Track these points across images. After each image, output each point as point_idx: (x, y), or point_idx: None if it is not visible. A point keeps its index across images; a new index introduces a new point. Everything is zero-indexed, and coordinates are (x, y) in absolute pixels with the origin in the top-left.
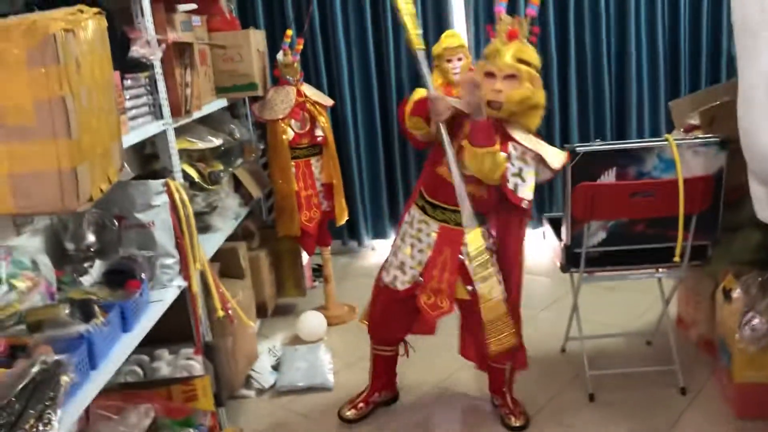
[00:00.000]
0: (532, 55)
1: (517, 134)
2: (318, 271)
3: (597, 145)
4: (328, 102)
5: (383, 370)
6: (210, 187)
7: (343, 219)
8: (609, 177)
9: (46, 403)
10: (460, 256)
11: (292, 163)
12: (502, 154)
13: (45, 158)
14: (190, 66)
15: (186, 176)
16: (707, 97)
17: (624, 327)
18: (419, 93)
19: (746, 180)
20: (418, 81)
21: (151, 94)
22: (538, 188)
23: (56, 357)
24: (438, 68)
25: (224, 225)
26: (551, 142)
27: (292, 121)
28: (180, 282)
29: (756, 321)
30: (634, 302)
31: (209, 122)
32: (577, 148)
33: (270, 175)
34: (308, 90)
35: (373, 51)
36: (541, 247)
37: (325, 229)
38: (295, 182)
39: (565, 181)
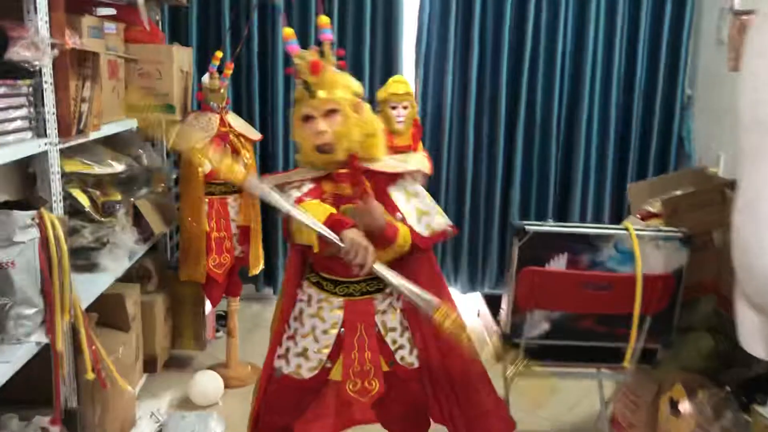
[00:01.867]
0: (347, 81)
1: (379, 165)
2: (223, 318)
3: (549, 226)
4: (256, 136)
5: None
6: (102, 218)
7: (257, 268)
8: (559, 263)
9: None
10: (376, 327)
11: (206, 200)
12: (398, 221)
13: None
14: (92, 78)
15: (75, 204)
16: (666, 184)
17: (556, 419)
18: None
19: (705, 280)
20: None
21: (34, 107)
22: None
23: None
24: (381, 113)
25: (114, 264)
26: (490, 218)
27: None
28: (40, 337)
29: None
30: (567, 390)
31: (114, 143)
32: (527, 227)
33: (179, 210)
34: (234, 120)
35: None
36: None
37: (235, 276)
38: (206, 222)
39: (510, 262)
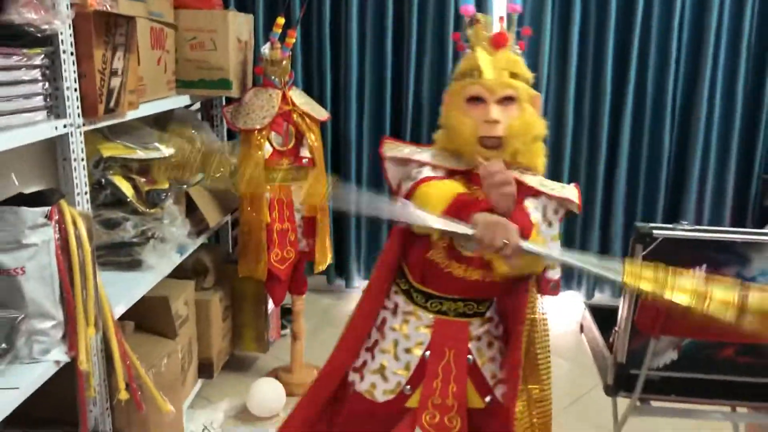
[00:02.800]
0: (525, 67)
1: (530, 178)
2: (290, 312)
3: (684, 230)
4: (322, 116)
5: None
6: (146, 210)
7: (323, 264)
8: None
9: None
10: (470, 356)
11: (267, 188)
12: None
13: None
14: (126, 47)
15: (118, 193)
16: None
17: None
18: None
19: None
20: (439, 97)
21: (53, 81)
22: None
23: None
24: None
25: (160, 261)
26: (590, 214)
27: (273, 134)
28: (60, 355)
29: None
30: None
31: (165, 123)
32: (655, 231)
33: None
34: (298, 97)
35: (391, 55)
36: (560, 316)
37: (301, 273)
38: (267, 212)
39: None
